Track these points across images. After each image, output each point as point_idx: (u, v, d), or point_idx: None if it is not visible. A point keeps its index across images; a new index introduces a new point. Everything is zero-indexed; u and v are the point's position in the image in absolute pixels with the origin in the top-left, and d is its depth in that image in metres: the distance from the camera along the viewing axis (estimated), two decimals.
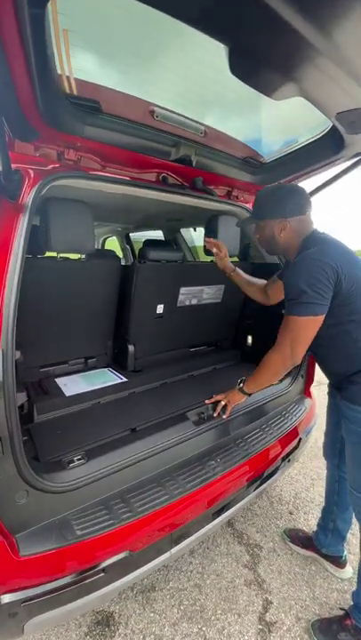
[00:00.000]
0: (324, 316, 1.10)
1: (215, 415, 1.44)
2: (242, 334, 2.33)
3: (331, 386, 1.40)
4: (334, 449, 1.51)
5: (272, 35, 0.75)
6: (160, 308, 1.81)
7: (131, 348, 1.82)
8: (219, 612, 1.42)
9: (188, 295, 1.89)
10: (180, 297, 1.85)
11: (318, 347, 1.26)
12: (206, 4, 0.67)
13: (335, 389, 1.32)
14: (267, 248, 1.35)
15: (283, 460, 1.59)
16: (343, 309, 1.12)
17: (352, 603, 1.33)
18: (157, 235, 3.70)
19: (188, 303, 1.91)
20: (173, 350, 2.08)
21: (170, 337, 2.01)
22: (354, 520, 1.41)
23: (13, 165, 1.00)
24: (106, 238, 4.52)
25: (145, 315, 1.77)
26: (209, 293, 1.98)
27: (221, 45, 0.87)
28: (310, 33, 0.71)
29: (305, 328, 1.12)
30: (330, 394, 1.47)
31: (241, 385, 1.39)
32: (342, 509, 1.54)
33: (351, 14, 0.66)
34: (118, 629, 1.34)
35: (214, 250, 1.64)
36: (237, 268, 1.68)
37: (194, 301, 1.94)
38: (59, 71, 0.94)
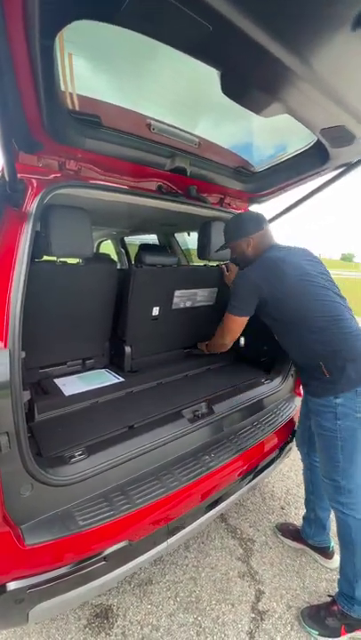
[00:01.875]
0: (244, 317, 1.48)
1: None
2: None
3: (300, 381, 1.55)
4: (304, 438, 1.63)
5: (259, 63, 0.83)
6: (156, 311, 1.88)
7: (127, 349, 1.89)
8: (213, 602, 1.48)
9: (183, 298, 1.96)
10: (175, 300, 1.93)
11: (283, 345, 1.52)
12: (201, 36, 0.75)
13: (302, 385, 1.49)
14: (242, 264, 1.60)
15: (273, 455, 1.67)
16: (277, 311, 1.39)
17: (338, 590, 1.41)
18: (152, 238, 3.77)
19: (182, 306, 1.98)
20: (169, 351, 2.15)
21: (165, 338, 2.08)
22: None
23: (18, 175, 1.05)
24: (101, 242, 4.57)
25: (141, 317, 1.84)
26: (203, 296, 2.06)
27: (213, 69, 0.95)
28: (292, 62, 0.79)
29: (229, 322, 1.53)
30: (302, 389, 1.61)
31: (205, 345, 1.98)
32: (319, 497, 1.62)
33: (326, 47, 0.74)
34: (117, 621, 1.39)
35: (227, 272, 2.08)
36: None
37: (188, 304, 2.01)
38: (62, 88, 1.01)
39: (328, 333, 1.30)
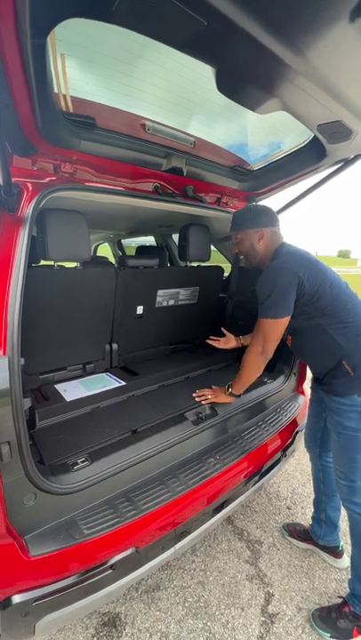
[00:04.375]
0: (288, 317, 1.27)
1: (197, 399, 1.56)
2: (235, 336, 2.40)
3: (314, 380, 1.49)
4: (315, 439, 1.61)
5: (254, 58, 0.82)
6: (140, 310, 1.95)
7: (114, 345, 1.97)
8: (223, 606, 1.45)
9: (166, 297, 2.04)
10: (158, 299, 2.00)
11: (300, 345, 1.43)
12: (195, 32, 0.74)
13: (318, 384, 1.42)
14: (246, 258, 1.47)
15: (279, 455, 1.65)
16: (311, 307, 1.28)
17: (349, 590, 1.39)
18: (149, 240, 3.76)
19: (165, 304, 2.06)
20: (155, 347, 2.23)
21: (150, 335, 2.16)
22: None
23: (12, 179, 1.04)
24: (97, 245, 4.56)
25: (126, 315, 1.90)
26: (185, 295, 2.15)
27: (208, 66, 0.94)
28: (288, 57, 0.78)
29: (271, 328, 1.29)
30: (313, 388, 1.57)
31: (230, 390, 1.52)
32: (330, 497, 1.61)
33: (324, 39, 0.73)
34: (125, 629, 1.36)
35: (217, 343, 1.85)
36: (242, 337, 1.84)
37: (171, 302, 2.09)
38: (55, 90, 1.00)
39: (356, 329, 1.27)
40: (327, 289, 1.26)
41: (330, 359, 1.31)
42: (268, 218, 1.41)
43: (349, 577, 1.40)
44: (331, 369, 1.32)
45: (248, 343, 1.75)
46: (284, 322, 1.28)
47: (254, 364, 1.38)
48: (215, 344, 1.85)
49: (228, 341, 1.84)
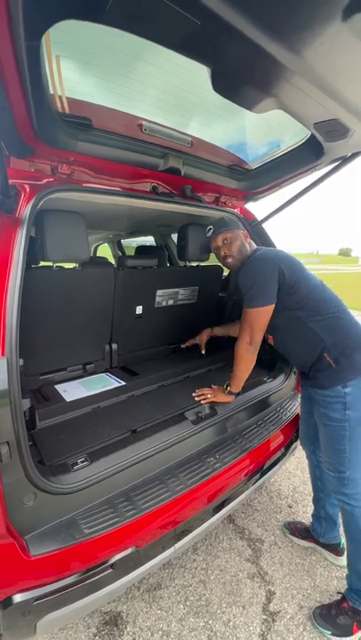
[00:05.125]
0: (272, 306, 1.32)
1: (197, 398, 1.57)
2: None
3: (300, 376, 1.52)
4: (309, 435, 1.62)
5: (249, 57, 0.82)
6: (139, 310, 1.96)
7: (114, 346, 1.98)
8: (224, 605, 1.46)
9: (165, 297, 2.05)
10: (157, 299, 2.01)
11: (282, 341, 1.46)
12: (189, 32, 0.74)
13: (304, 379, 1.46)
14: (237, 258, 1.48)
15: (279, 453, 1.65)
16: (291, 298, 1.33)
17: (347, 586, 1.39)
18: (149, 240, 3.76)
19: (164, 304, 2.07)
20: (154, 347, 2.24)
21: (150, 335, 2.17)
22: None
23: (10, 181, 1.04)
24: (97, 245, 4.56)
25: (126, 315, 1.90)
26: (184, 294, 2.15)
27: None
28: (284, 56, 0.78)
29: (257, 317, 1.34)
30: (301, 385, 1.59)
31: (228, 388, 1.53)
32: (327, 494, 1.62)
33: (318, 39, 0.73)
34: (126, 628, 1.37)
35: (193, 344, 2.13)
36: (214, 328, 2.08)
37: (170, 302, 2.10)
38: (51, 91, 1.00)
39: (333, 321, 1.31)
40: (303, 283, 1.33)
41: (312, 352, 1.35)
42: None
43: (348, 572, 1.41)
44: (313, 362, 1.35)
45: (219, 333, 2.05)
46: (269, 310, 1.33)
47: (245, 355, 1.41)
48: (191, 342, 2.12)
49: (200, 335, 2.08)
